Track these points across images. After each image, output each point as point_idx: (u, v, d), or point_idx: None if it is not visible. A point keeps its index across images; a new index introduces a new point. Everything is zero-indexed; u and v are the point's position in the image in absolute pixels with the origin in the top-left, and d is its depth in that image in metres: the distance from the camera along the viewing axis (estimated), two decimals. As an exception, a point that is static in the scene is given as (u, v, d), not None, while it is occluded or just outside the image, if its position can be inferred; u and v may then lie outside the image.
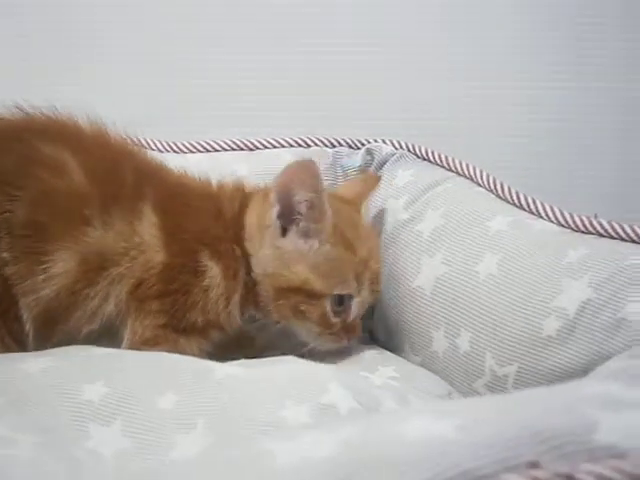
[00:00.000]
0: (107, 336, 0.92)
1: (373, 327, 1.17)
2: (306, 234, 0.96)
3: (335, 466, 0.41)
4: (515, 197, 1.01)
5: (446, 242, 1.01)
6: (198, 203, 0.97)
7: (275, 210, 0.95)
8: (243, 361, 0.87)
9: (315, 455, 0.43)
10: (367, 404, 0.78)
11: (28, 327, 0.88)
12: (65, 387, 0.76)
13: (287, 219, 0.96)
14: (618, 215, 0.97)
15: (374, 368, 0.97)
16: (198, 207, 0.97)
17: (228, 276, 0.95)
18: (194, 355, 0.91)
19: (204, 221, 0.96)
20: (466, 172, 1.09)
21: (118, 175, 0.92)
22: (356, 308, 1.00)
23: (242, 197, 1.01)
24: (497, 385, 0.90)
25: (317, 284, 0.95)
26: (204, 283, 0.93)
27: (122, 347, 0.92)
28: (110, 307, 0.90)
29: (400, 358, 1.04)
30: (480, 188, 1.06)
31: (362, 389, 0.81)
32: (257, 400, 0.75)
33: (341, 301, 0.98)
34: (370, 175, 1.18)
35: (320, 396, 0.76)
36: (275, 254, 0.96)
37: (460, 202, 1.04)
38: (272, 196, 0.95)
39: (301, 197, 0.94)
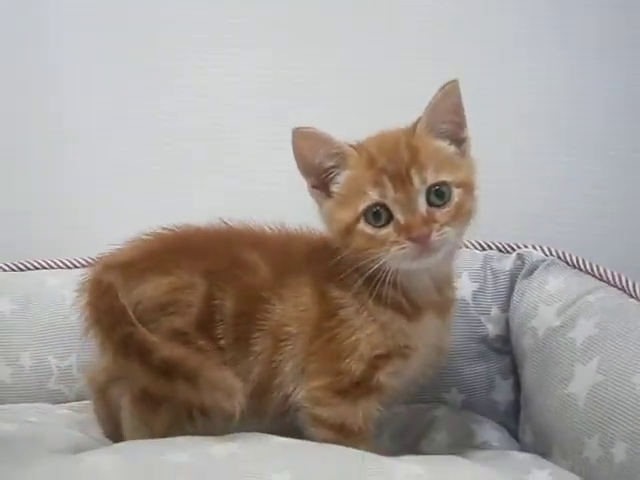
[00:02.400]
0: None
1: (518, 429, 1.20)
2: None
3: None
4: (671, 309, 1.03)
5: (601, 351, 1.03)
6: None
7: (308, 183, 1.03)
8: (420, 458, 0.94)
9: None
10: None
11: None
12: (254, 473, 0.83)
13: (322, 184, 1.03)
14: None
15: (527, 470, 1.00)
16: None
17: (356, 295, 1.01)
18: (363, 421, 1.01)
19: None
20: (617, 283, 1.12)
21: (289, 259, 1.07)
22: (395, 207, 0.96)
23: None
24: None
25: (342, 215, 0.99)
26: (340, 316, 1.02)
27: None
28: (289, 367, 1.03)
29: (550, 462, 1.06)
30: (632, 299, 1.09)
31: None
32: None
33: (376, 214, 0.97)
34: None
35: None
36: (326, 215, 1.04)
37: (614, 313, 1.07)
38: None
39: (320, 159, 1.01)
